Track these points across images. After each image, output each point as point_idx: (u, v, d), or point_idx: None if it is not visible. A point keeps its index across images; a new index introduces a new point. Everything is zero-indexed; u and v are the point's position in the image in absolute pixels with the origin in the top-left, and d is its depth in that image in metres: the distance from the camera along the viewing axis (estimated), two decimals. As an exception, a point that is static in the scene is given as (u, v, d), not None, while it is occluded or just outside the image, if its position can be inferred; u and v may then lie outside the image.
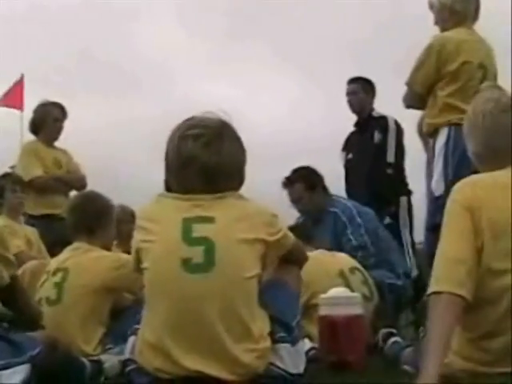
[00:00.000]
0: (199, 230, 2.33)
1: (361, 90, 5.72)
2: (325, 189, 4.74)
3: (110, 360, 2.97)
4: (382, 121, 5.60)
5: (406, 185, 5.57)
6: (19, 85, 10.20)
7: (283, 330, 2.45)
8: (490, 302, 2.14)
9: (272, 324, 2.42)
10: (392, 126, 5.53)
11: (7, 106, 10.31)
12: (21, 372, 2.43)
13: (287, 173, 4.76)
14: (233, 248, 2.31)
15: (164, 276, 2.32)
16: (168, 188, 2.57)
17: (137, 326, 2.44)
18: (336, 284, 3.31)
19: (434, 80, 4.05)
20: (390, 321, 3.29)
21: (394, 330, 3.16)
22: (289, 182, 4.70)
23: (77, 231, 3.40)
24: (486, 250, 2.14)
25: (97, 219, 3.41)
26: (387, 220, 5.25)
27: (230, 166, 2.44)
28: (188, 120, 2.49)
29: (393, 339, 3.04)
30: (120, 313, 3.20)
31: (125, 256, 3.24)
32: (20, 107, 9.89)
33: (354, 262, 3.81)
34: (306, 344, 3.19)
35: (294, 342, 2.47)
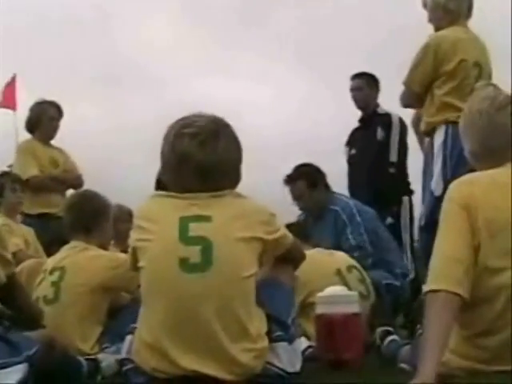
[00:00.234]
0: (196, 229, 2.32)
1: (365, 86, 5.66)
2: (327, 186, 4.74)
3: (107, 359, 2.98)
4: (386, 118, 5.53)
5: (408, 184, 5.52)
6: (11, 85, 10.18)
7: (280, 328, 2.45)
8: (486, 300, 2.14)
9: (269, 323, 2.42)
10: (396, 123, 5.46)
11: (1, 106, 10.29)
12: (18, 371, 2.42)
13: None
14: (230, 247, 2.31)
15: (161, 275, 2.32)
16: (159, 187, 2.57)
17: (134, 325, 2.44)
18: (333, 282, 3.31)
19: (432, 79, 4.06)
20: (387, 319, 3.29)
21: (391, 329, 3.16)
22: (290, 180, 4.70)
23: (74, 230, 3.40)
24: (482, 249, 2.15)
25: (94, 218, 3.40)
26: (389, 220, 5.22)
27: (226, 165, 2.43)
28: (184, 119, 2.49)
29: (390, 338, 3.04)
30: (117, 312, 3.20)
31: (122, 255, 3.24)
32: (13, 107, 9.87)
33: (351, 261, 3.81)
34: (303, 342, 3.19)
35: (290, 341, 2.47)
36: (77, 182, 5.54)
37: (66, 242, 3.40)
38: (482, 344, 2.16)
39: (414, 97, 4.19)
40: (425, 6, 4.28)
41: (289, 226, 2.73)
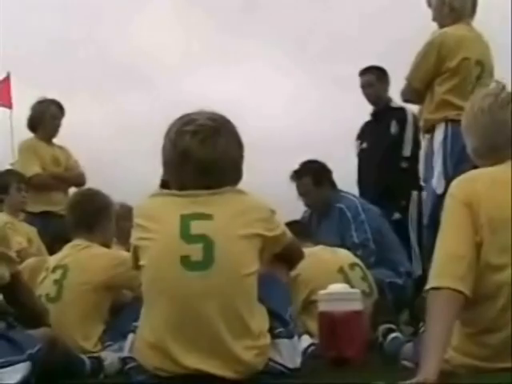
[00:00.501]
0: (197, 227, 2.32)
1: (375, 81, 5.55)
2: (332, 184, 4.74)
3: (110, 357, 2.98)
4: (401, 112, 5.41)
5: (418, 179, 5.31)
6: (6, 83, 10.15)
7: (281, 324, 2.46)
8: (488, 297, 2.14)
9: (270, 319, 2.42)
10: (410, 118, 5.34)
11: None
12: (21, 370, 2.43)
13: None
14: (232, 245, 2.31)
15: (163, 274, 2.32)
16: (164, 187, 2.57)
17: (135, 324, 2.44)
18: (336, 280, 3.31)
19: (434, 76, 4.06)
20: (389, 317, 3.28)
21: (393, 326, 3.15)
22: (296, 176, 4.70)
23: (76, 228, 3.40)
24: (484, 246, 2.15)
25: (96, 216, 3.41)
26: (396, 215, 5.18)
27: (227, 162, 2.43)
28: (184, 116, 2.48)
29: (392, 335, 3.04)
30: (119, 310, 3.20)
31: (124, 253, 3.24)
32: (8, 105, 9.85)
33: (353, 258, 3.81)
34: (306, 340, 3.20)
35: (290, 336, 2.48)
36: (79, 181, 5.54)
37: (68, 240, 3.40)
38: (484, 341, 2.16)
39: (414, 93, 4.20)
40: (429, 4, 4.28)
41: (289, 224, 2.73)
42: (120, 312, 3.18)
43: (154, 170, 2.65)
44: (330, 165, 4.82)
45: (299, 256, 2.73)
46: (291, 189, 4.72)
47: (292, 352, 2.47)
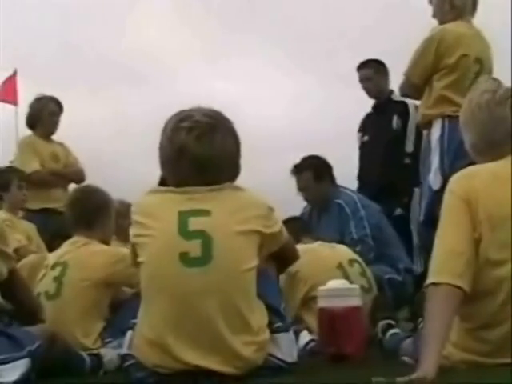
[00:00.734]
0: (195, 224, 2.32)
1: (374, 74, 5.49)
2: (332, 180, 4.74)
3: (110, 354, 2.99)
4: (403, 106, 5.35)
5: (420, 175, 5.41)
6: (12, 79, 10.15)
7: (278, 318, 2.46)
8: (487, 293, 2.15)
9: (268, 314, 2.43)
10: (413, 112, 5.24)
11: (1, 101, 10.26)
12: (20, 366, 2.44)
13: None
14: (230, 241, 2.31)
15: (162, 271, 2.32)
16: (162, 185, 2.57)
17: (134, 321, 2.44)
18: (335, 276, 3.31)
19: (432, 71, 4.06)
20: (389, 312, 3.29)
21: (392, 322, 3.16)
22: (297, 170, 4.70)
23: (76, 225, 3.40)
24: (483, 241, 2.15)
25: (96, 213, 3.41)
26: (398, 211, 5.16)
27: (223, 158, 2.42)
28: (181, 112, 2.48)
29: (392, 331, 3.05)
30: (119, 306, 3.20)
31: (124, 250, 3.24)
32: (14, 102, 9.85)
33: (352, 254, 3.81)
34: (306, 336, 3.20)
35: (287, 330, 2.49)
36: (78, 177, 5.54)
37: (67, 237, 3.41)
38: (483, 337, 2.16)
39: (413, 88, 4.21)
40: (430, 1, 4.27)
41: (288, 220, 2.73)
42: (120, 309, 3.18)
43: (153, 170, 2.65)
44: (332, 161, 4.83)
45: (294, 256, 2.74)
46: (290, 189, 4.74)
47: (290, 346, 2.48)
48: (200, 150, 2.38)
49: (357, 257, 3.81)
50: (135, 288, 3.03)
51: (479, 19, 4.26)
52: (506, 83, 2.45)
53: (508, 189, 2.16)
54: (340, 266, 3.61)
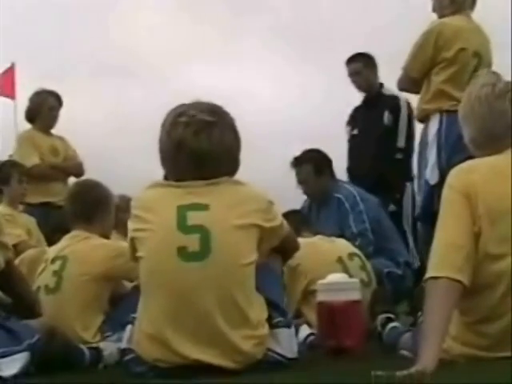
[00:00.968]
0: (194, 218, 2.32)
1: (363, 68, 5.44)
2: (332, 174, 4.74)
3: (109, 348, 2.99)
4: (394, 101, 5.32)
5: (411, 170, 5.22)
6: (10, 73, 10.11)
7: (279, 314, 2.46)
8: (487, 286, 2.14)
9: (268, 309, 2.43)
10: (404, 108, 5.25)
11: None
12: (19, 360, 2.44)
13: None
14: (228, 235, 2.31)
15: (160, 265, 2.32)
16: (166, 180, 2.57)
17: (133, 315, 2.44)
18: (334, 270, 3.31)
19: (431, 65, 4.07)
20: (388, 306, 3.29)
21: (392, 316, 3.16)
22: (297, 163, 4.70)
23: (75, 219, 3.39)
24: (483, 235, 2.15)
25: (95, 207, 3.40)
26: (391, 207, 5.13)
27: (221, 153, 2.42)
28: (179, 107, 2.48)
29: (391, 324, 3.05)
30: (119, 300, 3.20)
31: (123, 244, 3.23)
32: (12, 96, 9.82)
33: (352, 248, 3.82)
34: (305, 330, 3.21)
35: (289, 326, 2.48)
36: (78, 170, 5.55)
37: (67, 231, 3.40)
38: (483, 331, 2.16)
39: (411, 82, 4.21)
40: None
41: (288, 214, 2.73)
42: (119, 303, 3.18)
43: (153, 167, 2.65)
44: (332, 156, 4.82)
45: (294, 248, 2.73)
46: (290, 186, 4.73)
47: (291, 341, 2.48)
48: (197, 145, 2.38)
49: (356, 250, 3.81)
50: (135, 281, 3.03)
51: (479, 13, 4.26)
52: (506, 77, 2.44)
53: (508, 183, 2.15)
54: (340, 260, 3.61)
